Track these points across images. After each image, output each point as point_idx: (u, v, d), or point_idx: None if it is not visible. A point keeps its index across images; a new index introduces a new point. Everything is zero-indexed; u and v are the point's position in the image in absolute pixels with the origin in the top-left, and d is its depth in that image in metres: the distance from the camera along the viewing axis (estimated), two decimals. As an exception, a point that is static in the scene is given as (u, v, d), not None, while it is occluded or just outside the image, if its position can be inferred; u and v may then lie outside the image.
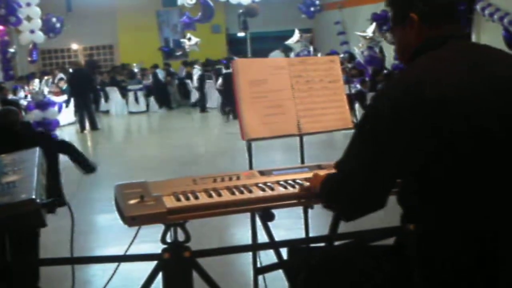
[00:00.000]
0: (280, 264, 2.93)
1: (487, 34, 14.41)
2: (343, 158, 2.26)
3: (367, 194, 2.18)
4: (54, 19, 19.74)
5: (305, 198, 2.66)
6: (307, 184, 2.68)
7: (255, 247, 3.91)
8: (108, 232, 7.37)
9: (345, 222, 2.37)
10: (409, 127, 2.05)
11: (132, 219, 2.44)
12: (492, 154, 2.07)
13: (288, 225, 5.46)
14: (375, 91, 2.29)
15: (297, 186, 2.75)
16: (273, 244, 3.12)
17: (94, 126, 17.44)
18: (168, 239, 2.57)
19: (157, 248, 2.53)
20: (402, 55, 2.41)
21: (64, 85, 19.53)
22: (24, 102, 15.91)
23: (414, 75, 2.14)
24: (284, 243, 3.09)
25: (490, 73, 2.14)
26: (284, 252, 3.11)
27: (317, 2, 23.66)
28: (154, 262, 2.35)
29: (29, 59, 19.67)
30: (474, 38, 13.63)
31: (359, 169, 2.16)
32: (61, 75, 21.69)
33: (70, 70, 20.26)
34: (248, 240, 4.19)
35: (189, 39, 22.77)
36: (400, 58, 2.44)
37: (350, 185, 2.20)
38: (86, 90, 17.48)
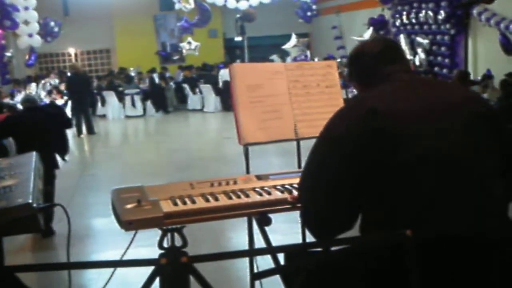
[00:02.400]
0: (277, 269, 2.92)
1: (484, 39, 14.43)
2: (302, 181, 2.44)
3: (327, 220, 2.33)
4: (52, 23, 19.76)
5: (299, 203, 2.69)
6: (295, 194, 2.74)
7: (252, 253, 3.91)
8: (105, 236, 7.35)
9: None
10: (359, 151, 2.19)
11: (129, 224, 2.44)
12: (439, 170, 2.19)
13: (285, 229, 5.46)
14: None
15: (294, 191, 2.76)
16: (270, 250, 3.12)
17: (91, 130, 17.42)
18: (165, 244, 2.57)
19: (154, 252, 2.53)
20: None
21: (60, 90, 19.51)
22: (20, 106, 15.86)
23: (366, 104, 2.29)
24: (281, 249, 3.08)
25: (427, 98, 2.33)
26: (281, 257, 3.11)
27: (314, 7, 23.70)
28: (151, 267, 2.34)
29: (27, 62, 19.69)
30: (470, 43, 13.65)
31: (317, 195, 2.32)
32: (54, 81, 21.71)
33: (68, 74, 20.23)
34: (245, 244, 4.19)
35: (189, 43, 22.78)
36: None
37: (310, 212, 2.39)
38: (83, 94, 17.45)
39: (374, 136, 2.17)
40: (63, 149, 8.10)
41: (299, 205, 2.69)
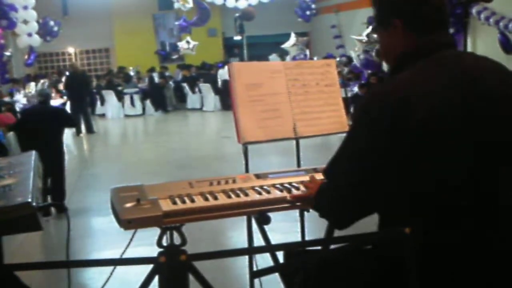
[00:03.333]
0: (276, 267, 2.93)
1: (483, 38, 14.44)
2: (331, 169, 2.31)
3: (356, 207, 2.22)
4: (51, 23, 19.77)
5: (298, 202, 2.68)
6: (300, 192, 2.70)
7: (251, 251, 3.91)
8: (104, 235, 7.36)
9: (338, 229, 2.40)
10: (385, 144, 2.07)
11: (128, 222, 2.44)
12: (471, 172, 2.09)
13: (284, 228, 5.46)
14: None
15: (293, 190, 2.76)
16: (269, 248, 3.12)
17: (90, 130, 17.43)
18: (164, 243, 2.57)
19: (154, 251, 2.53)
20: (386, 57, 2.40)
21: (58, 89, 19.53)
22: (20, 105, 15.88)
23: (394, 92, 2.12)
24: (280, 247, 3.09)
25: (473, 90, 2.13)
26: (280, 255, 3.12)
27: (313, 6, 23.72)
28: (150, 265, 2.35)
29: (26, 61, 19.69)
30: (470, 42, 13.65)
31: (346, 187, 2.20)
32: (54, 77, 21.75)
33: (67, 73, 20.24)
34: (244, 243, 4.19)
35: (188, 42, 22.78)
36: (385, 60, 2.43)
37: (339, 201, 2.25)
38: (82, 94, 17.46)
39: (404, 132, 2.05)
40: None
41: (298, 203, 2.69)
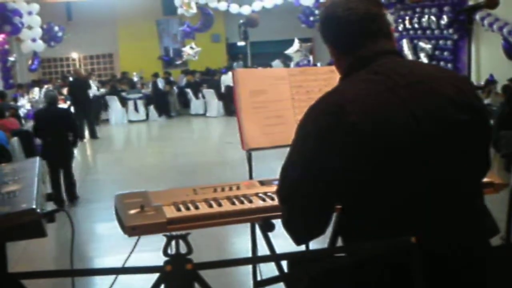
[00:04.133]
0: (280, 277, 2.93)
1: (486, 44, 14.44)
2: (280, 184, 2.30)
3: (308, 222, 2.23)
4: (56, 28, 19.81)
5: None
6: None
7: (256, 260, 3.91)
8: (108, 240, 7.36)
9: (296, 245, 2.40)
10: (330, 148, 2.06)
11: (132, 229, 2.44)
12: (405, 171, 2.08)
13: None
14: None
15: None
16: (274, 257, 3.11)
17: (93, 135, 17.44)
18: (169, 251, 2.56)
19: (157, 257, 2.53)
20: (337, 70, 2.40)
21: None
22: (24, 110, 15.91)
23: (334, 98, 2.14)
24: (284, 256, 3.08)
25: (409, 103, 2.10)
26: (284, 262, 3.11)
27: (317, 12, 23.70)
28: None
29: (30, 67, 19.72)
30: (473, 48, 13.65)
31: (295, 196, 2.20)
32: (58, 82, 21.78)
33: (70, 79, 20.28)
34: (248, 250, 4.19)
35: (192, 48, 22.81)
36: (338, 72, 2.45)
37: (290, 214, 2.25)
38: (85, 99, 17.48)
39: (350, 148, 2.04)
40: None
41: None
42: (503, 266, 2.57)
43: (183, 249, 2.55)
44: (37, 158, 3.02)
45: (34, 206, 2.23)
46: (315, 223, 2.24)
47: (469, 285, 2.18)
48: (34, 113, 11.78)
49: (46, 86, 21.23)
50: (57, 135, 9.62)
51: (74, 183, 10.00)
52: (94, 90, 20.36)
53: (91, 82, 19.89)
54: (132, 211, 2.53)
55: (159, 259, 2.42)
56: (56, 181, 9.60)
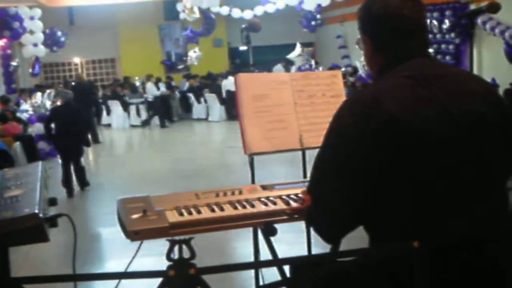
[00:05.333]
0: (282, 282, 2.92)
1: (488, 48, 14.43)
2: (312, 183, 2.30)
3: (341, 218, 2.21)
4: (59, 33, 19.84)
5: (296, 214, 2.67)
6: (298, 204, 2.70)
7: (258, 265, 3.90)
8: (111, 245, 7.36)
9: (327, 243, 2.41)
10: (366, 138, 2.07)
11: (135, 234, 2.44)
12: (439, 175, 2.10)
13: (290, 239, 5.45)
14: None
15: (292, 203, 2.75)
16: (277, 262, 3.11)
17: (95, 140, 17.44)
18: (173, 255, 2.57)
19: (160, 262, 2.53)
20: (369, 67, 2.44)
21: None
22: (26, 115, 15.92)
23: (370, 92, 2.19)
24: (287, 261, 3.09)
25: (443, 102, 2.13)
26: (286, 267, 3.11)
27: (318, 16, 23.73)
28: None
29: (32, 71, 19.74)
30: (475, 52, 13.67)
31: (329, 195, 2.19)
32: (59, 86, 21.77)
33: (73, 84, 20.29)
34: (250, 254, 4.19)
35: (195, 52, 22.81)
36: (369, 69, 2.46)
37: (323, 212, 2.24)
38: (88, 104, 17.48)
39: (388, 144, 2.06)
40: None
41: (296, 216, 2.68)
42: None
43: (186, 253, 2.55)
44: (40, 163, 3.02)
45: (36, 211, 2.23)
46: (347, 221, 2.23)
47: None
48: (51, 110, 13.26)
49: (48, 91, 21.24)
50: (69, 130, 10.75)
51: (82, 168, 11.17)
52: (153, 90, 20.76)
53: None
54: (135, 216, 2.53)
55: (162, 264, 2.43)
56: (67, 171, 10.85)
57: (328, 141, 2.23)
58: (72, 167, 10.95)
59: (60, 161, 11.35)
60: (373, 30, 2.31)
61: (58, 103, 14.77)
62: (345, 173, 2.13)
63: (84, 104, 17.22)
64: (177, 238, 2.58)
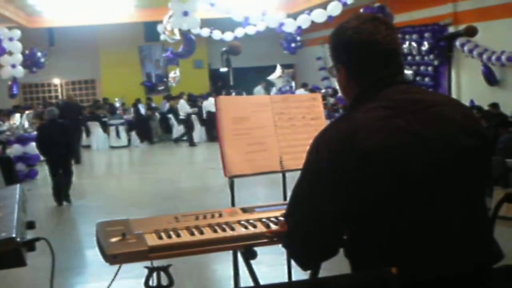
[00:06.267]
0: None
1: (467, 70, 14.58)
2: (289, 209, 2.28)
3: (315, 246, 2.21)
4: (39, 54, 19.76)
5: (275, 237, 2.66)
6: (278, 227, 2.69)
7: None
8: (89, 268, 7.29)
9: (303, 270, 2.39)
10: (344, 175, 2.06)
11: (114, 257, 2.42)
12: (414, 197, 2.09)
13: (270, 261, 5.43)
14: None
15: (271, 225, 2.75)
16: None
17: (77, 160, 17.32)
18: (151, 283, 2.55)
19: (139, 284, 2.51)
20: (344, 95, 2.40)
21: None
22: (5, 136, 15.80)
23: (346, 125, 2.15)
24: None
25: (420, 130, 2.12)
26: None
27: (298, 38, 23.85)
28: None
29: (9, 93, 19.60)
30: (454, 74, 13.79)
31: (304, 221, 2.18)
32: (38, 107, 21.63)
33: (59, 103, 20.18)
34: (230, 277, 4.17)
35: (175, 73, 22.82)
36: (345, 97, 2.45)
37: (298, 239, 2.23)
38: (74, 124, 17.37)
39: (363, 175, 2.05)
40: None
41: (275, 239, 2.67)
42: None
43: (164, 280, 2.53)
44: (18, 186, 2.99)
45: (14, 235, 2.20)
46: (324, 249, 2.22)
47: None
48: (37, 128, 13.60)
49: (27, 112, 21.10)
50: (58, 142, 11.30)
51: (72, 173, 11.96)
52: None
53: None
54: (114, 239, 2.51)
55: (140, 286, 2.41)
56: (57, 181, 11.53)
57: (305, 172, 2.23)
58: (62, 173, 11.51)
59: (48, 173, 11.85)
60: (347, 58, 2.27)
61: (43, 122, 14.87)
62: (319, 203, 2.13)
63: (70, 124, 17.15)
64: (155, 265, 2.56)
